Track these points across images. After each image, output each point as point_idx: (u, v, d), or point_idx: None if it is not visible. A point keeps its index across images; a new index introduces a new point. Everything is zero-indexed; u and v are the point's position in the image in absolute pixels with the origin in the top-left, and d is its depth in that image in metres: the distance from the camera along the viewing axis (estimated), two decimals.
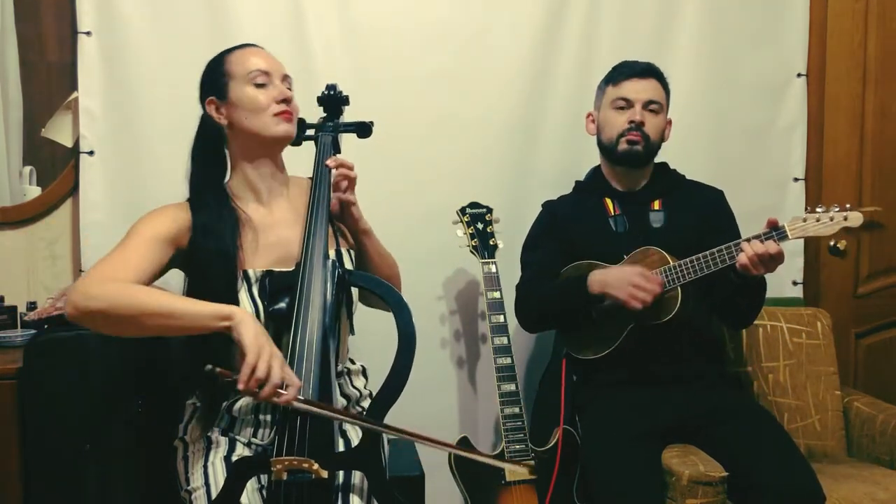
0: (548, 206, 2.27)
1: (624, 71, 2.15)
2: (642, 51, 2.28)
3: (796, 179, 2.69)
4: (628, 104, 2.12)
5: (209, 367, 1.39)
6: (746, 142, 2.65)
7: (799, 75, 2.67)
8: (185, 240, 1.62)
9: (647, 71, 2.14)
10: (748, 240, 1.88)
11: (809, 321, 2.42)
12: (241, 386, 1.39)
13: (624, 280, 1.95)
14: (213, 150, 1.69)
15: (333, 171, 1.71)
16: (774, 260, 1.85)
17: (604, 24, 2.53)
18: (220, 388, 1.60)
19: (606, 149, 2.16)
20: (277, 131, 1.65)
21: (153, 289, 1.51)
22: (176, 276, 1.66)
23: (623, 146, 2.11)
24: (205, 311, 1.46)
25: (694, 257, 1.94)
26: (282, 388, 1.41)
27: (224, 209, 1.64)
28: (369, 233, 1.76)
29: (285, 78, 1.69)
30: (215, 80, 1.68)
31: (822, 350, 2.40)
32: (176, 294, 1.51)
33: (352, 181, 1.72)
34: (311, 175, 1.73)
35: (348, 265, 1.70)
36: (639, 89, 2.11)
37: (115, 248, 1.58)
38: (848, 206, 1.85)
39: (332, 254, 1.66)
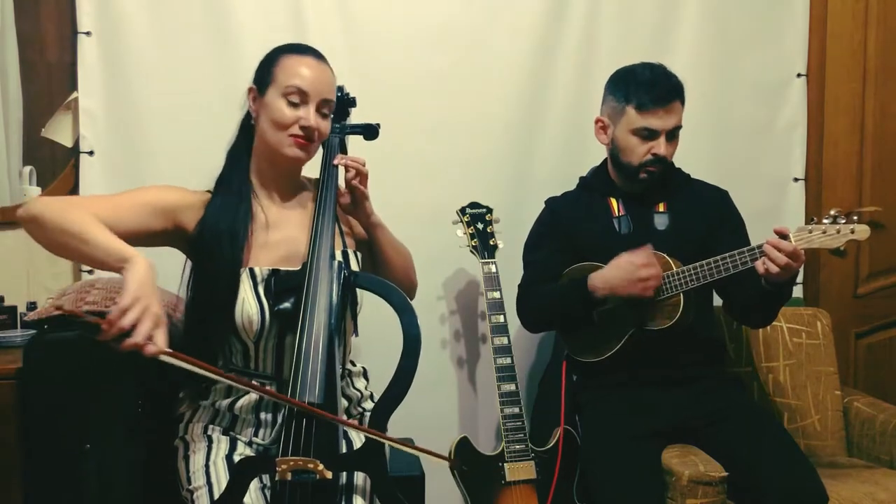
0: (551, 203, 2.26)
1: (648, 98, 2.02)
2: (642, 52, 2.28)
3: (796, 179, 2.69)
4: (652, 134, 2.04)
5: (59, 306, 1.29)
6: (746, 142, 2.65)
7: (799, 75, 2.67)
8: (189, 221, 1.63)
9: (672, 94, 2.04)
10: (753, 250, 1.87)
11: (809, 321, 2.43)
12: (104, 326, 1.29)
13: (628, 278, 1.94)
14: (251, 133, 1.72)
15: (342, 166, 1.72)
16: (797, 261, 1.81)
17: (603, 25, 2.53)
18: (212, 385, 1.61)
19: (625, 169, 2.10)
20: (286, 153, 1.65)
21: (89, 215, 1.45)
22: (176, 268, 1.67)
23: (644, 175, 2.07)
24: (112, 247, 1.40)
25: (697, 264, 1.93)
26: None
27: (244, 193, 1.66)
28: (381, 226, 1.78)
29: (325, 103, 1.66)
30: (263, 73, 1.68)
31: (822, 350, 2.40)
32: (105, 229, 1.44)
33: (363, 175, 1.72)
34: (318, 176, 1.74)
35: (354, 266, 1.70)
36: (665, 121, 2.03)
37: (113, 194, 1.63)
38: (855, 217, 1.81)
39: (338, 254, 1.67)
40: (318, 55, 1.70)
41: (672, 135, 2.07)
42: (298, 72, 1.64)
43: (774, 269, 1.80)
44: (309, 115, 1.63)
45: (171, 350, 1.34)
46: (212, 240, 1.60)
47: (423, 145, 2.45)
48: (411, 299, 1.84)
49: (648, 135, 2.04)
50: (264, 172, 1.71)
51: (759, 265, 1.82)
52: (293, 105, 1.63)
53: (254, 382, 1.57)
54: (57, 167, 2.36)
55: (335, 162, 1.71)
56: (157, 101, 2.31)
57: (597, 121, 2.18)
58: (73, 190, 2.31)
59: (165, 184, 1.71)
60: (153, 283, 1.36)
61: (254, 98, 1.68)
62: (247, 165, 1.71)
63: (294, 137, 1.63)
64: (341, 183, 1.76)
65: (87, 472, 1.70)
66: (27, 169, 2.36)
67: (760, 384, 2.38)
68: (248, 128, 1.72)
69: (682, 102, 2.08)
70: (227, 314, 1.58)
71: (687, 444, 2.01)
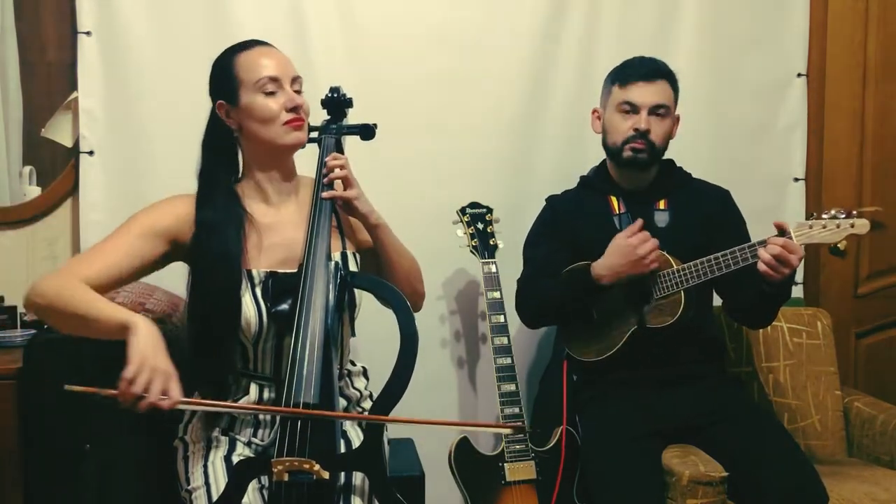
0: (551, 201, 2.26)
1: (631, 72, 2.09)
2: (642, 51, 2.28)
3: (796, 179, 2.69)
4: (634, 109, 2.07)
5: (68, 386, 1.39)
6: (746, 142, 2.65)
7: (799, 75, 2.67)
8: (187, 235, 1.62)
9: (655, 72, 2.08)
10: (753, 246, 1.86)
11: (809, 321, 2.42)
12: (119, 398, 1.38)
13: (629, 259, 1.95)
14: (223, 147, 1.69)
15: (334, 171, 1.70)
16: (794, 254, 1.80)
17: (604, 24, 2.53)
18: (221, 388, 1.61)
19: (611, 152, 2.14)
20: (287, 140, 1.64)
21: (88, 292, 1.49)
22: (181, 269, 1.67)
23: (627, 153, 2.08)
24: (113, 319, 1.45)
25: (697, 261, 1.93)
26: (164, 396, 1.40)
27: (231, 208, 1.64)
28: (383, 227, 1.74)
29: (295, 80, 1.66)
30: (225, 83, 1.65)
31: (822, 350, 2.40)
32: (100, 299, 1.50)
33: (344, 178, 1.68)
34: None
35: (353, 267, 1.69)
36: (645, 94, 2.06)
37: (107, 236, 1.62)
38: (854, 212, 1.81)
39: (337, 256, 1.66)
40: (263, 42, 1.69)
41: (657, 113, 2.07)
42: (260, 62, 1.63)
43: (767, 256, 1.79)
44: (291, 94, 1.63)
45: (185, 399, 1.44)
46: (207, 261, 1.59)
47: (423, 145, 2.45)
48: (417, 310, 1.75)
49: (630, 109, 2.07)
50: (258, 180, 1.69)
51: (760, 265, 1.82)
52: (271, 94, 1.62)
53: (273, 407, 1.59)
54: (57, 167, 2.36)
55: (324, 196, 1.65)
56: (157, 102, 2.30)
57: (593, 111, 2.23)
58: (73, 190, 2.31)
59: (162, 197, 1.69)
60: (156, 343, 1.42)
61: (227, 112, 1.66)
62: (228, 179, 1.69)
63: (288, 123, 1.62)
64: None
65: (87, 472, 1.71)
66: (27, 169, 2.36)
67: (760, 384, 2.38)
68: (212, 146, 1.69)
69: (673, 87, 2.11)
70: (231, 328, 1.57)
71: (687, 444, 2.01)
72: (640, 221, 2.00)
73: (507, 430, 1.49)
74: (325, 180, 1.67)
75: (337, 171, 1.67)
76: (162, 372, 1.39)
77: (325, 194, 1.65)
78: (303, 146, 1.69)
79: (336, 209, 1.67)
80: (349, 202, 1.67)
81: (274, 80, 1.62)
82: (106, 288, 1.56)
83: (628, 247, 1.96)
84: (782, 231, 1.83)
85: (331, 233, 1.64)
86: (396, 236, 1.77)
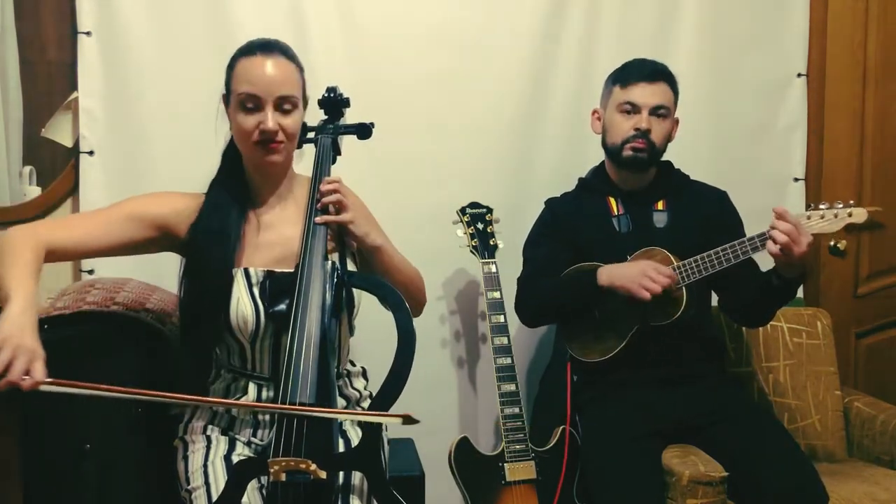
0: (550, 203, 2.27)
1: (632, 73, 2.10)
2: (642, 51, 2.28)
3: (796, 179, 2.69)
4: (635, 109, 2.08)
5: None
6: (747, 142, 2.65)
7: (799, 75, 2.67)
8: (182, 228, 1.63)
9: (656, 74, 2.09)
10: (752, 238, 1.87)
11: (809, 321, 2.43)
12: None
13: (635, 273, 1.93)
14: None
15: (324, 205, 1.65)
16: (803, 235, 1.79)
17: (604, 24, 2.53)
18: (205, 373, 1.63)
19: (611, 151, 2.15)
20: (255, 160, 1.63)
21: (23, 255, 1.44)
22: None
23: (628, 153, 2.09)
24: (3, 287, 1.39)
25: (697, 256, 1.94)
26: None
27: (236, 199, 1.65)
28: (382, 249, 1.70)
29: (284, 99, 1.59)
30: (226, 81, 1.65)
31: (822, 350, 2.40)
32: (27, 263, 1.44)
33: (339, 203, 1.64)
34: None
35: (351, 266, 1.69)
36: (647, 94, 2.07)
37: (99, 208, 1.67)
38: (851, 202, 1.83)
39: (335, 256, 1.66)
40: (269, 50, 1.61)
41: (658, 114, 2.08)
42: (247, 77, 1.58)
43: (782, 237, 1.78)
44: (267, 118, 1.57)
45: (51, 379, 1.33)
46: (203, 241, 1.60)
47: (423, 145, 2.45)
48: (416, 316, 1.69)
49: (631, 109, 2.09)
50: (251, 177, 1.70)
51: (771, 245, 1.80)
52: (250, 111, 1.58)
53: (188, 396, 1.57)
54: (57, 167, 2.36)
55: (317, 221, 1.63)
56: (157, 101, 2.30)
57: (593, 112, 2.24)
58: (73, 190, 2.31)
59: (163, 190, 1.71)
60: (24, 321, 1.34)
61: (225, 108, 1.67)
62: (241, 168, 1.69)
63: (257, 145, 1.60)
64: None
65: (87, 472, 1.70)
66: (27, 169, 2.36)
67: (760, 384, 2.38)
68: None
69: (673, 89, 2.12)
70: (219, 314, 1.58)
71: (687, 444, 2.01)
72: (674, 273, 1.94)
73: (397, 420, 1.49)
74: (319, 206, 1.64)
75: (330, 196, 1.63)
76: (27, 350, 1.31)
77: (318, 219, 1.62)
78: (274, 167, 1.65)
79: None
80: (344, 226, 1.66)
81: (254, 97, 1.58)
82: (73, 255, 1.61)
83: (645, 266, 1.94)
84: (780, 216, 1.82)
85: (327, 232, 1.64)
86: (396, 251, 1.76)
